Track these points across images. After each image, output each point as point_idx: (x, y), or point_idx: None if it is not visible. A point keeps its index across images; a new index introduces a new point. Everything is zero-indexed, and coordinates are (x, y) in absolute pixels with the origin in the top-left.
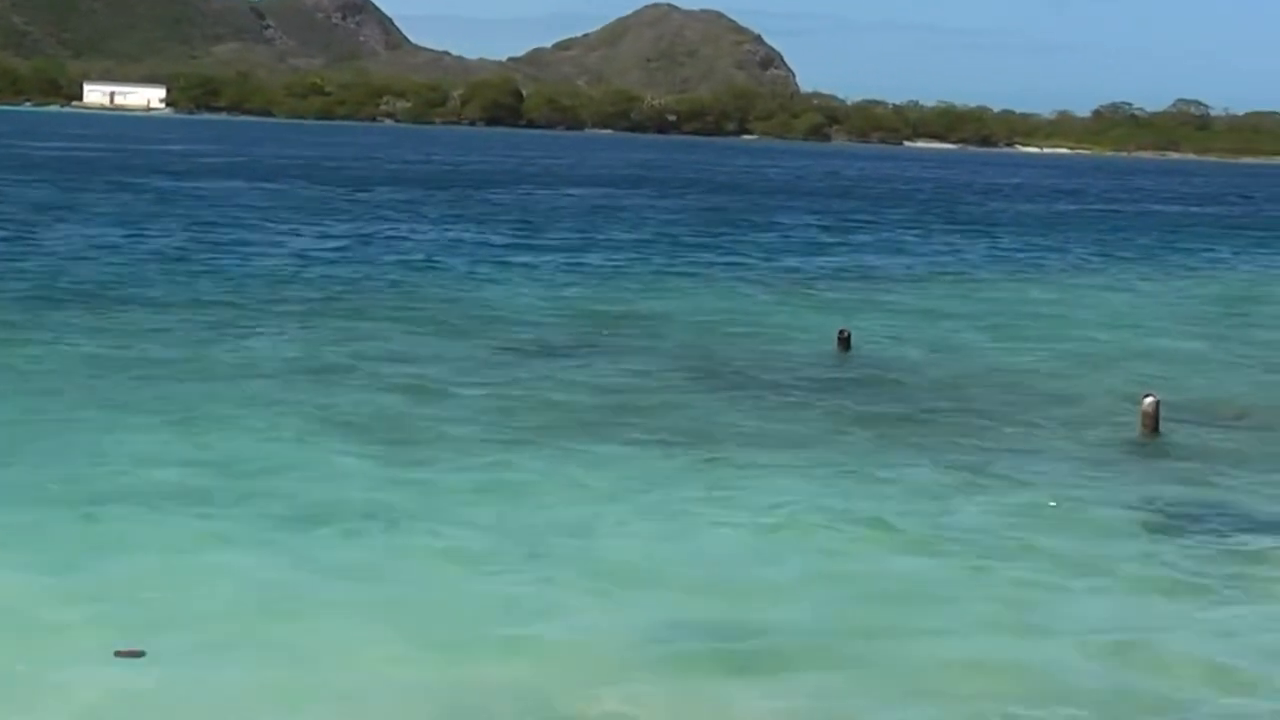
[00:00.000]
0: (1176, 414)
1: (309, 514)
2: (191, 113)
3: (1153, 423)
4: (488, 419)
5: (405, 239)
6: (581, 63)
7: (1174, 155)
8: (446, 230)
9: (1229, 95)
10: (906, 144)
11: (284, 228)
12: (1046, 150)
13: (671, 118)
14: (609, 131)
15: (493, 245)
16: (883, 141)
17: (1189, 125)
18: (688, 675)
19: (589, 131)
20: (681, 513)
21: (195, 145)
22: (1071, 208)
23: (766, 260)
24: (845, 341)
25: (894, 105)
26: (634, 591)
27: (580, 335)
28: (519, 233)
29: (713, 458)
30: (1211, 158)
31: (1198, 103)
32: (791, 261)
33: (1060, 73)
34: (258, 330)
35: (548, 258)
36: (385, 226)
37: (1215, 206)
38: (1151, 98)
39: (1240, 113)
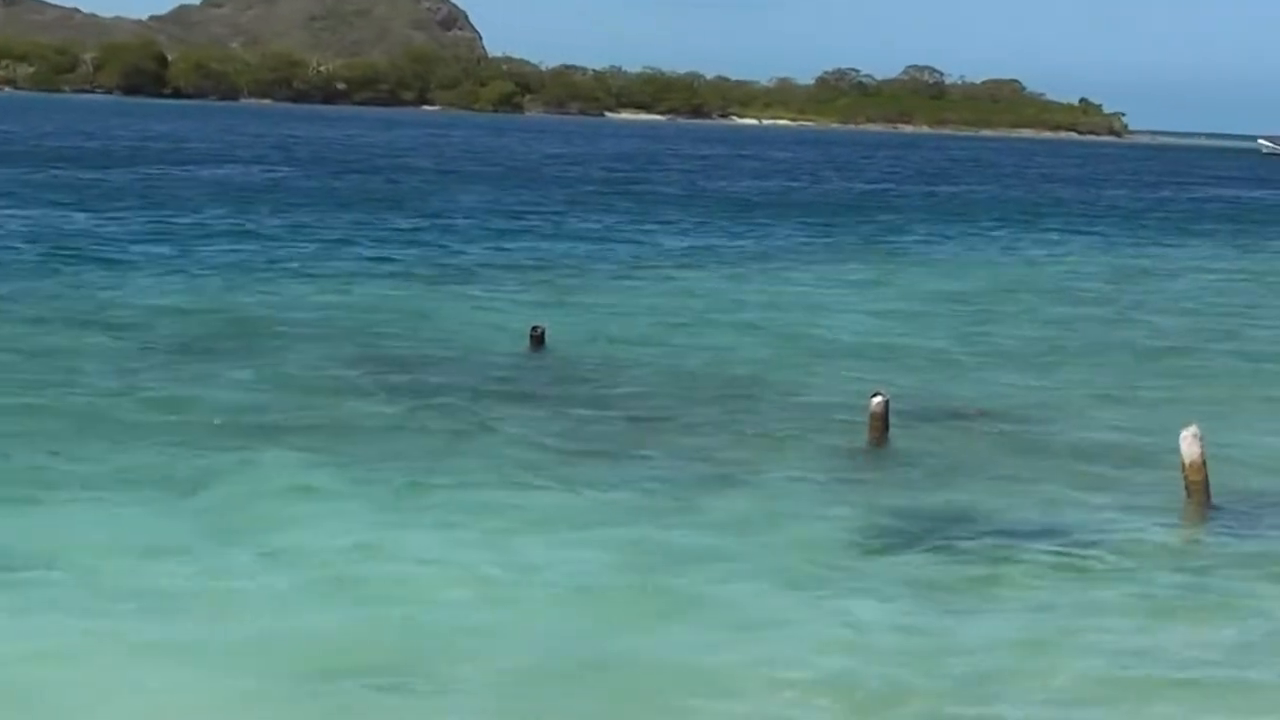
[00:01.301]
0: (907, 414)
1: None
2: None
3: (882, 425)
4: (118, 430)
5: None
6: (235, 22)
7: (907, 128)
8: (55, 216)
9: (963, 61)
10: (609, 115)
11: None
12: (766, 122)
13: (341, 86)
14: (268, 101)
15: (102, 235)
16: (582, 112)
17: (922, 94)
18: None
19: (245, 101)
20: (343, 533)
21: None
22: (795, 184)
23: (443, 250)
24: (538, 340)
25: (594, 71)
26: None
27: (215, 338)
28: (149, 220)
29: (387, 477)
30: (947, 130)
31: (931, 69)
32: (473, 251)
33: (780, 36)
34: None
35: (164, 250)
36: None
37: (949, 185)
38: (881, 64)
39: (977, 80)
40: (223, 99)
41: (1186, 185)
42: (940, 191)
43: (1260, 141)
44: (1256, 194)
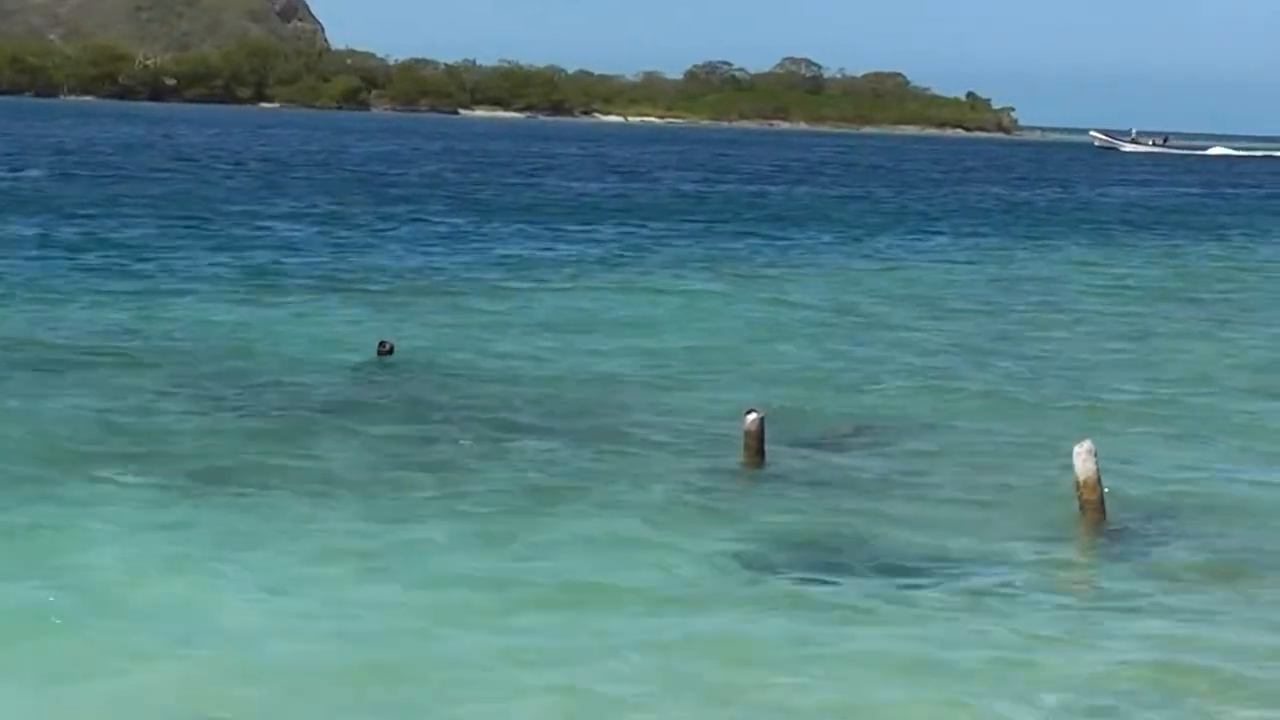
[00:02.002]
0: (784, 432)
1: None
2: None
3: (757, 444)
4: None
5: None
6: (54, 13)
7: (783, 125)
8: None
9: (843, 53)
10: (463, 112)
11: None
12: (633, 119)
13: (170, 82)
14: (90, 98)
15: None
16: (434, 109)
17: (799, 89)
18: None
19: (65, 99)
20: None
21: None
22: (649, 186)
23: (268, 261)
24: (388, 354)
25: (446, 66)
26: None
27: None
28: None
29: (215, 502)
30: (825, 127)
31: (808, 61)
32: (295, 261)
33: (649, 28)
34: None
35: None
36: None
37: (815, 186)
38: (756, 56)
39: (857, 74)
40: (39, 95)
41: (1041, 184)
42: (802, 193)
43: (1092, 134)
44: (1097, 194)
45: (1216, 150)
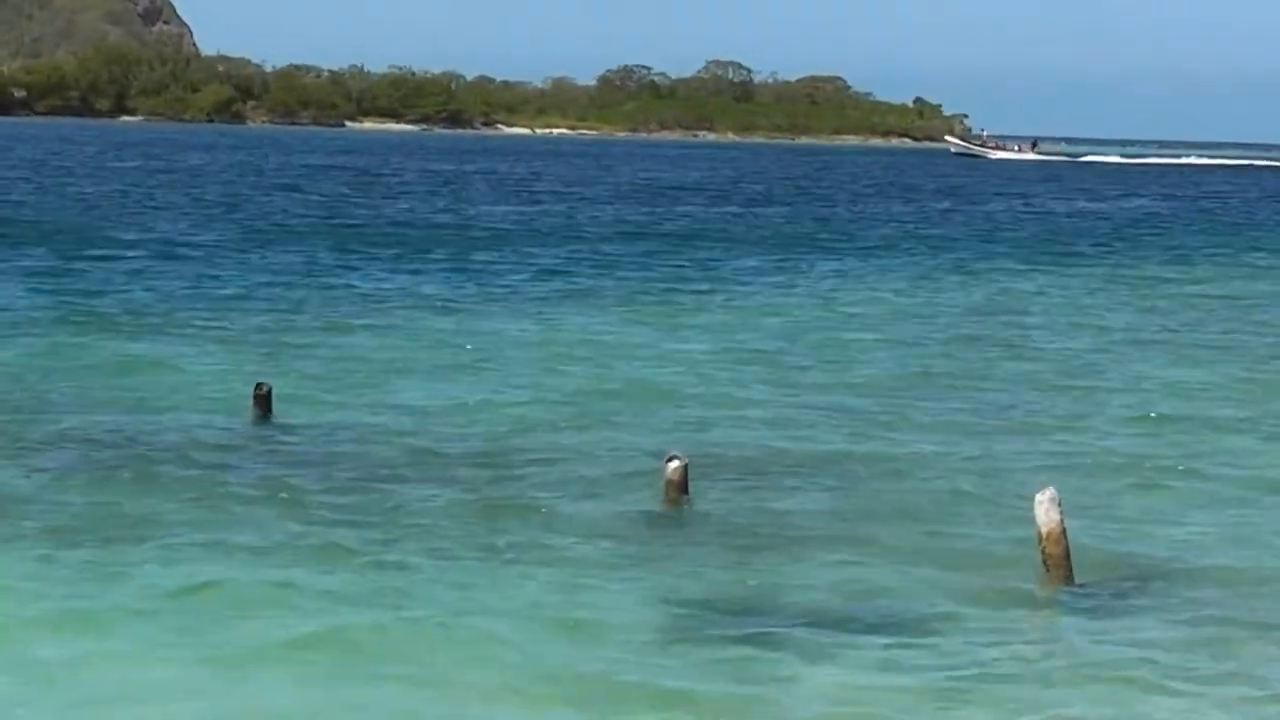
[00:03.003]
0: (707, 474)
1: None
2: None
3: (679, 489)
4: None
5: None
6: None
7: (708, 135)
8: None
9: (775, 56)
10: (349, 124)
11: None
12: (540, 131)
13: (20, 93)
14: None
15: None
16: (316, 122)
17: (725, 95)
18: None
19: None
20: None
21: None
22: (552, 209)
23: (115, 292)
24: (264, 400)
25: (330, 72)
26: None
27: None
28: None
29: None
30: (757, 137)
31: (736, 65)
32: (144, 293)
33: (558, 28)
34: None
35: None
36: None
37: (733, 205)
38: (677, 60)
39: (792, 78)
40: None
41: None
42: (723, 213)
43: (948, 139)
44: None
45: (1110, 158)
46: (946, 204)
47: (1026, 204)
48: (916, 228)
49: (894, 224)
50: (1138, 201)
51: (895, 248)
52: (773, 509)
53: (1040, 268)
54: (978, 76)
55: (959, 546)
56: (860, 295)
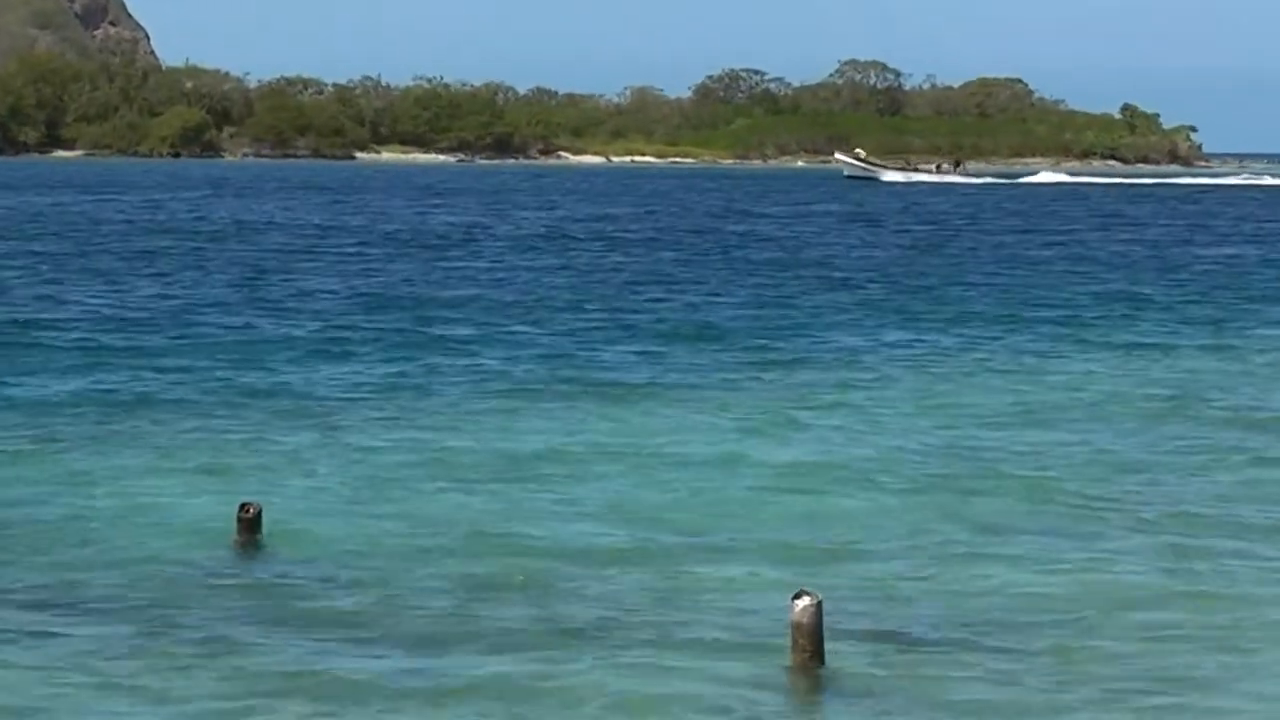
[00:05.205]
0: (849, 624)
1: None
2: None
3: (812, 639)
4: None
5: None
6: None
7: (844, 160)
8: None
9: (925, 55)
10: (360, 155)
11: None
12: (618, 160)
13: None
14: None
15: None
16: (319, 154)
17: (868, 107)
18: None
19: None
20: None
21: None
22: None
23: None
24: (251, 523)
25: (335, 86)
26: None
27: None
28: None
29: None
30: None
31: (879, 65)
32: (80, 383)
33: (635, 26)
34: None
35: None
36: None
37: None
38: (799, 62)
39: (954, 83)
40: None
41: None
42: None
43: (838, 157)
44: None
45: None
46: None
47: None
48: None
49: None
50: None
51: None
52: (935, 668)
53: None
54: (1203, 78)
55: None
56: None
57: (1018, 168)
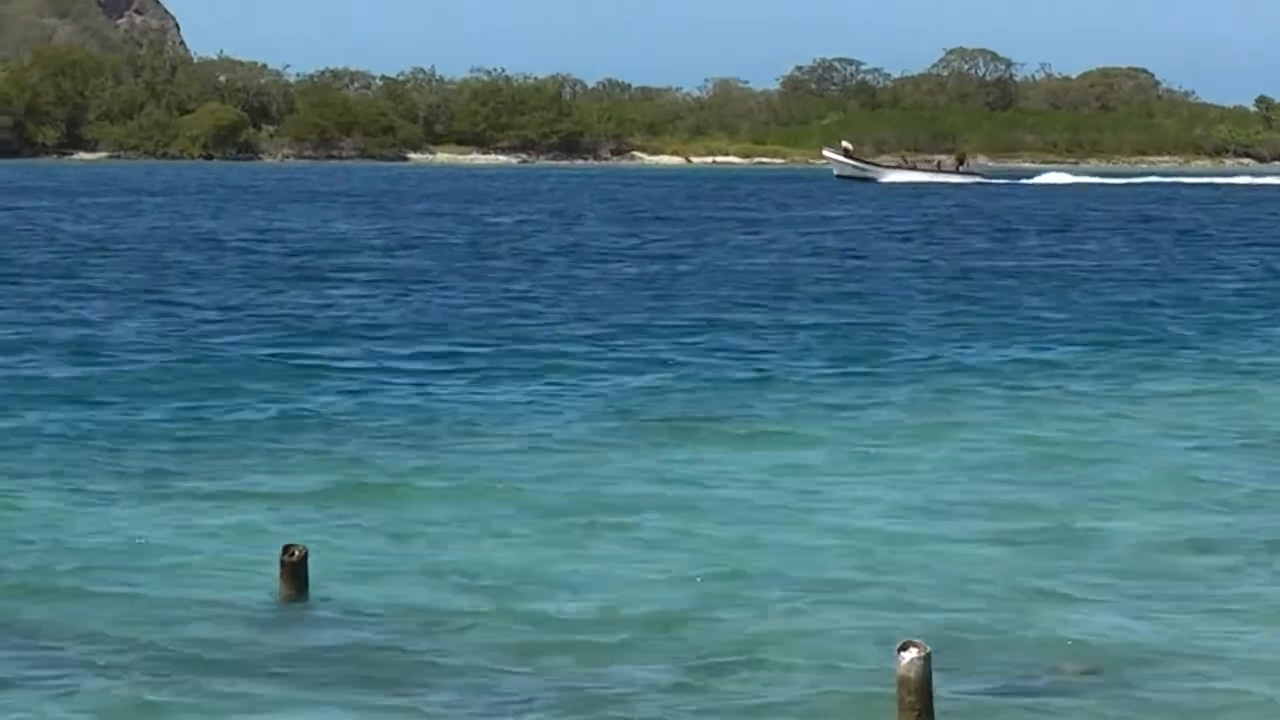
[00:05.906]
0: (961, 676)
1: None
2: None
3: (919, 695)
4: None
5: None
6: None
7: (948, 159)
8: None
9: (1035, 43)
10: (413, 156)
11: None
12: (699, 160)
13: None
14: None
15: None
16: (366, 154)
17: (975, 99)
18: None
19: None
20: None
21: None
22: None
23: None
24: (294, 570)
25: (384, 79)
26: None
27: None
28: None
29: None
30: (1024, 163)
31: (988, 54)
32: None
33: (710, 10)
34: None
35: None
36: None
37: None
38: (896, 52)
39: (1071, 73)
40: None
41: None
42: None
43: (826, 154)
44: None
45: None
46: None
47: None
48: None
49: None
50: None
51: None
52: None
53: None
54: None
55: None
56: None
57: (1127, 166)
